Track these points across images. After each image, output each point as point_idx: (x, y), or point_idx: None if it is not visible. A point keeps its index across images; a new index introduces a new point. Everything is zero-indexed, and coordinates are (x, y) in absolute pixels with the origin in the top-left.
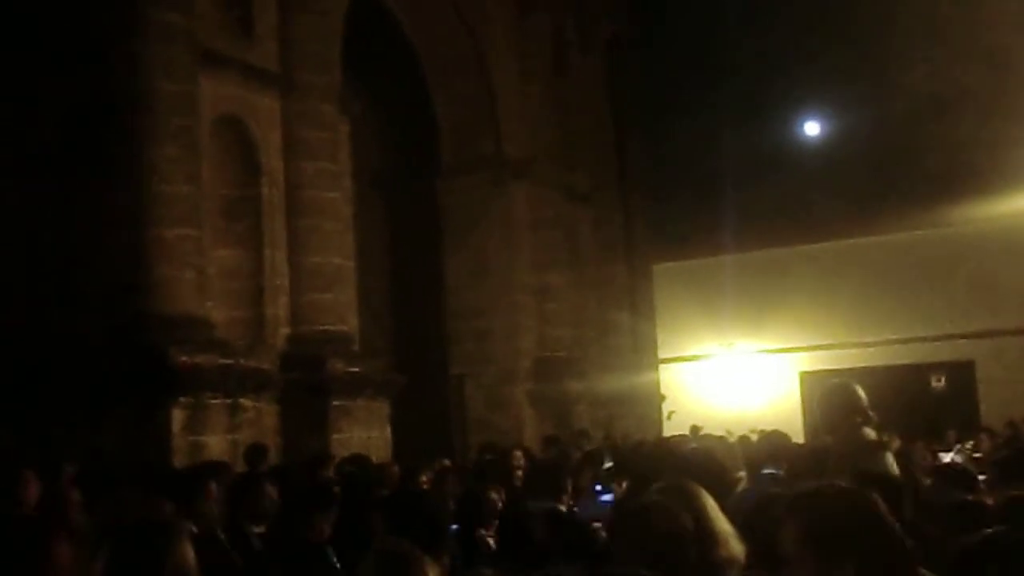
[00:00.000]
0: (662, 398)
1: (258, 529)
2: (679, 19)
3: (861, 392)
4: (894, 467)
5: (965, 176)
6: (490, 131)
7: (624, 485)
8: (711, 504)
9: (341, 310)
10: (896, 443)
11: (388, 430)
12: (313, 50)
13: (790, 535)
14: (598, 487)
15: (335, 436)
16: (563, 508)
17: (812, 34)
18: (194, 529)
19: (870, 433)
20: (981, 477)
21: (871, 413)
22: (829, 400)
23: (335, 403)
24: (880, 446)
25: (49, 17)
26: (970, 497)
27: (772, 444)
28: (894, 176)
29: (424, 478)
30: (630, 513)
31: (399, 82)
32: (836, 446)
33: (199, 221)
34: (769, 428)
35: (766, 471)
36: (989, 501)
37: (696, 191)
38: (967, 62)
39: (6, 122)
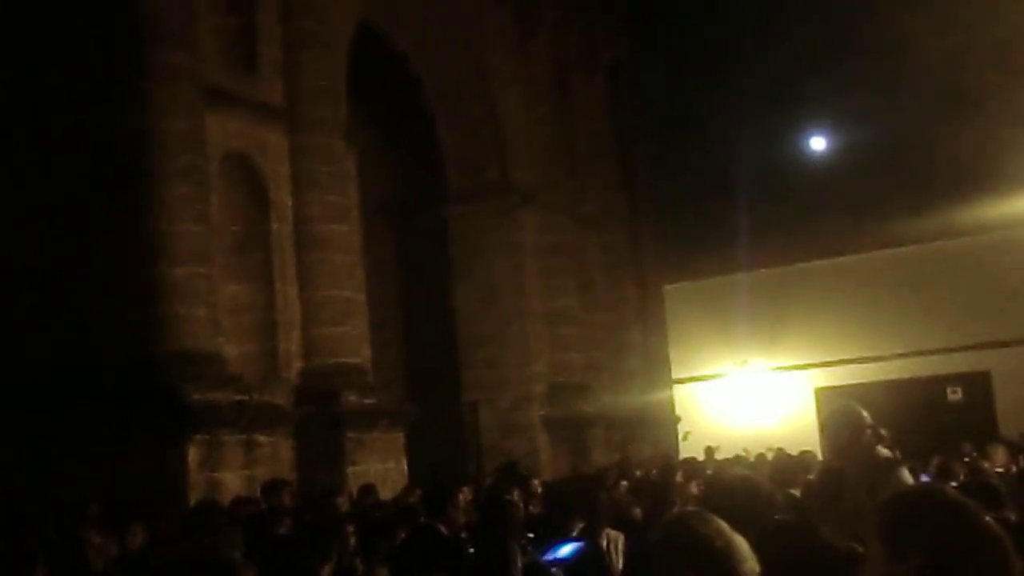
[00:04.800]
0: (677, 419)
1: None
2: (683, 39)
3: (864, 412)
4: (910, 482)
5: (974, 184)
6: (496, 158)
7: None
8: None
9: (353, 342)
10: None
11: (404, 461)
12: (318, 84)
13: (872, 532)
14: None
15: (351, 469)
16: None
17: (817, 48)
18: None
19: (883, 451)
20: None
21: (881, 431)
22: (834, 425)
23: (350, 435)
24: (895, 462)
25: (57, 58)
26: (1000, 514)
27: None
28: (901, 187)
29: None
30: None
31: (403, 111)
32: (850, 467)
33: (210, 258)
34: (786, 445)
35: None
36: (1012, 517)
37: (704, 210)
38: (973, 66)
39: (19, 162)
